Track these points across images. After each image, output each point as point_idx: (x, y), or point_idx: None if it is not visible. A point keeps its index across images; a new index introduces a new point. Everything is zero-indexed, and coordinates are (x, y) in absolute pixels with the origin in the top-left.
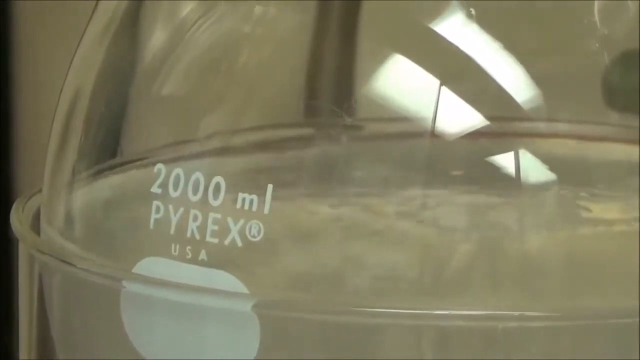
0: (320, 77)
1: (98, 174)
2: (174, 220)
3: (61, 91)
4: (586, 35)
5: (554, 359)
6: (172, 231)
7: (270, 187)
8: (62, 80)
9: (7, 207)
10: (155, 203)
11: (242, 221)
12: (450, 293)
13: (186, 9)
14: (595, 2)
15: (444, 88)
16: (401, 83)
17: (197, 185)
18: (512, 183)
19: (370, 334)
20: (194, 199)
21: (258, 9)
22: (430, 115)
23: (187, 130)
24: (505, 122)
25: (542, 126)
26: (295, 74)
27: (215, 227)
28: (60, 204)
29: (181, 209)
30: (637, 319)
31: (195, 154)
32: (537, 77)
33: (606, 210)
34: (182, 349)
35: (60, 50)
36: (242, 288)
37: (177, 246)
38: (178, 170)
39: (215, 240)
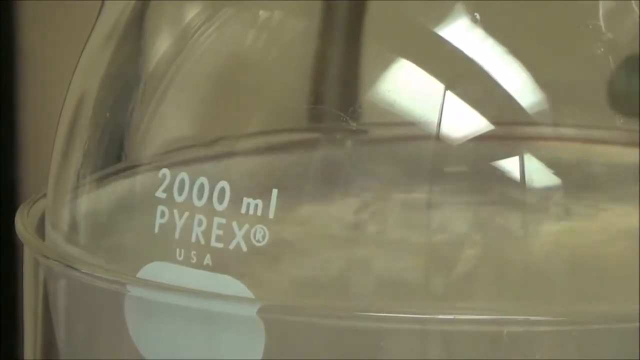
0: (325, 81)
1: (103, 178)
2: (179, 224)
3: (66, 96)
4: (591, 40)
5: None
6: (176, 236)
7: (275, 191)
8: (66, 85)
9: (12, 212)
10: (160, 208)
11: (246, 226)
12: (455, 297)
13: (191, 14)
14: (600, 7)
15: (448, 92)
16: (406, 87)
17: (201, 189)
18: (517, 187)
19: (376, 339)
20: (199, 203)
21: (263, 13)
22: (435, 119)
23: (191, 134)
24: (510, 126)
25: (547, 130)
26: (300, 78)
27: (220, 232)
28: (64, 208)
29: (186, 214)
30: None
31: (200, 158)
32: (542, 81)
33: (611, 214)
34: (186, 353)
35: (64, 55)
36: (247, 293)
37: (182, 251)
38: (183, 175)
39: (220, 245)
